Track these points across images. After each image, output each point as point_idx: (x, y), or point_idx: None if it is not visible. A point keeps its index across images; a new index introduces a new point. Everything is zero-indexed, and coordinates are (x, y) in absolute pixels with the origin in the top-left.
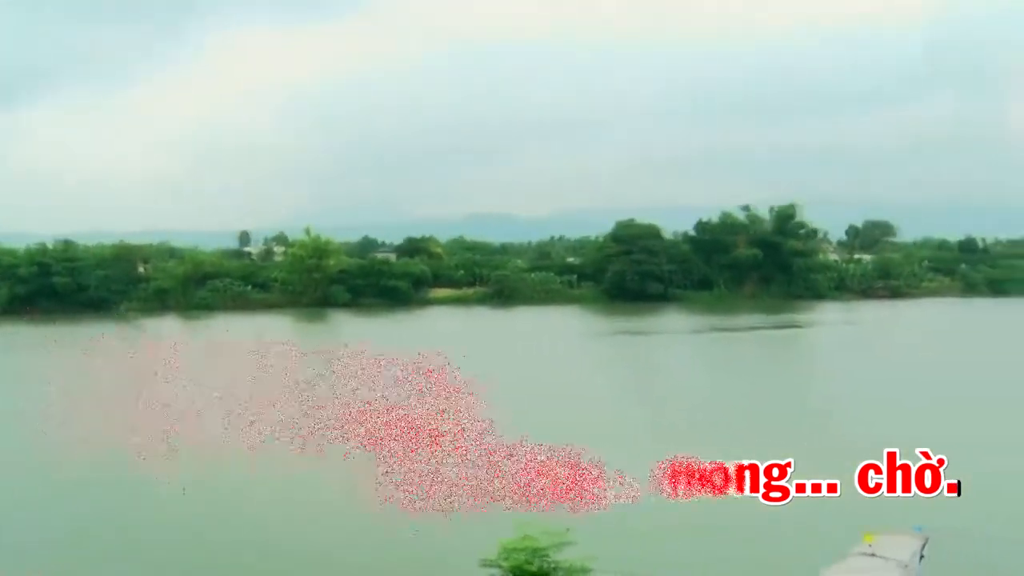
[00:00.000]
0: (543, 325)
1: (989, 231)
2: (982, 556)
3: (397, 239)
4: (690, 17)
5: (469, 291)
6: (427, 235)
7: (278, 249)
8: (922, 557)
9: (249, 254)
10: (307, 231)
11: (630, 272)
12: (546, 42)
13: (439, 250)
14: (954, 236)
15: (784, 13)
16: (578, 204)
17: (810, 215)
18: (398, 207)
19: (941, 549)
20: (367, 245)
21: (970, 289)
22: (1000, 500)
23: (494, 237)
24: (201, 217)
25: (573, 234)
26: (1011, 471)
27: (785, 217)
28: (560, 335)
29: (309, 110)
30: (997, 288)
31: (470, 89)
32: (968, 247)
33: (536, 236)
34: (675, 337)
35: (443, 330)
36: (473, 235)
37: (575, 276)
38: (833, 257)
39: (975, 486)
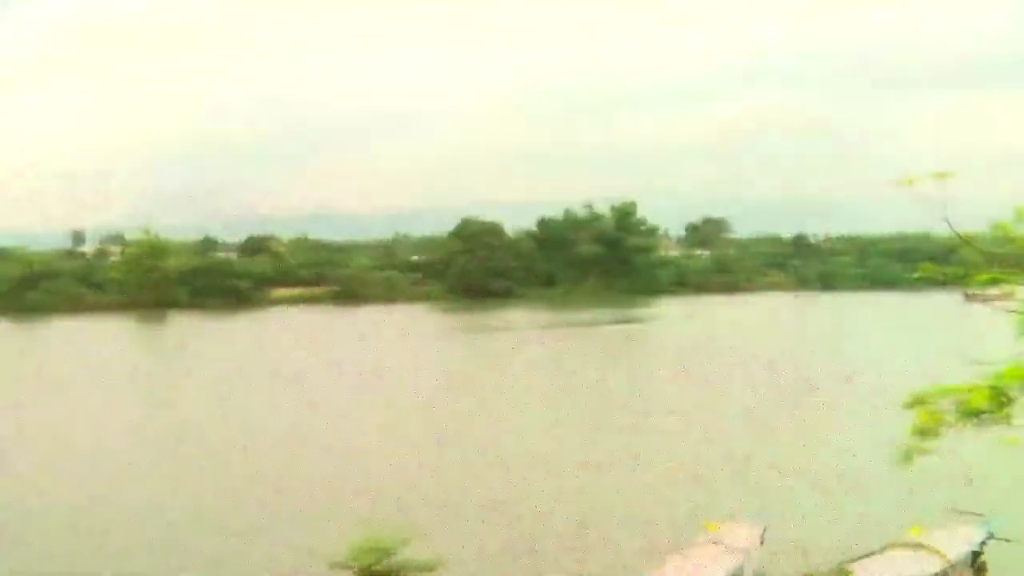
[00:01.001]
0: (390, 324)
1: (820, 227)
2: (817, 540)
3: (238, 238)
4: (530, 13)
5: (314, 290)
6: (269, 233)
7: (115, 249)
8: (762, 542)
9: (84, 254)
10: (145, 230)
11: (474, 269)
12: (383, 35)
13: (282, 248)
14: (787, 232)
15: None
16: (422, 201)
17: (649, 212)
18: (239, 205)
19: (780, 535)
20: (207, 244)
21: (803, 284)
22: (829, 488)
23: (338, 235)
24: (29, 215)
25: (417, 232)
26: (835, 461)
27: (625, 214)
28: (408, 334)
29: (140, 107)
30: (827, 282)
31: (309, 83)
32: (799, 243)
33: (380, 234)
34: (519, 334)
35: (285, 331)
36: (317, 233)
37: (420, 274)
38: (672, 253)
39: (808, 477)
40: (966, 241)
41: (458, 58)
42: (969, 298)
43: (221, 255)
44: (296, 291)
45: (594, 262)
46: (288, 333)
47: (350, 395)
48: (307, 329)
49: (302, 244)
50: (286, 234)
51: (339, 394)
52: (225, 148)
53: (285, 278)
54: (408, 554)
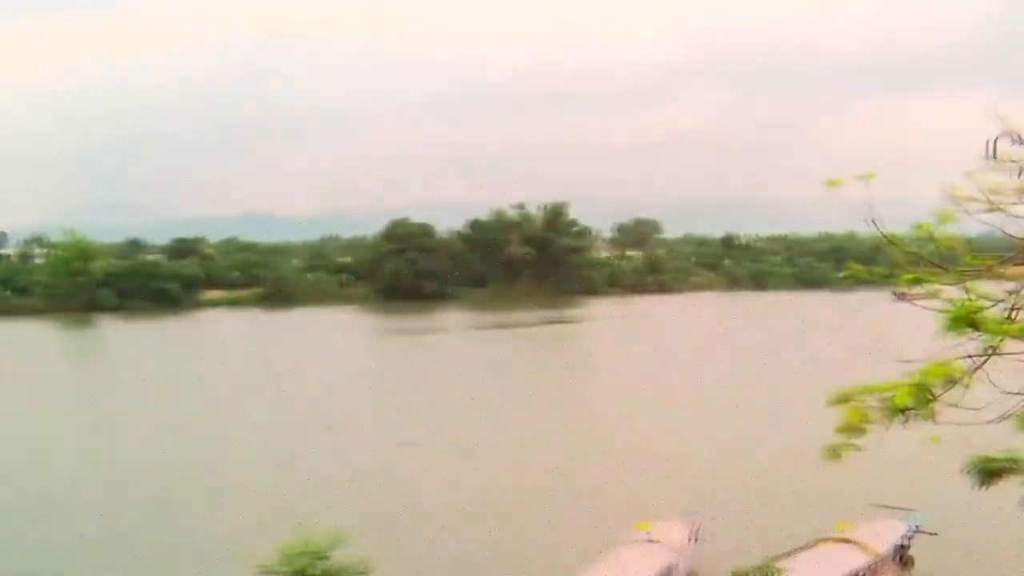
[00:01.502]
0: (318, 326)
1: (749, 227)
2: (747, 536)
3: (165, 240)
4: (460, 14)
5: (244, 293)
6: (197, 235)
7: (39, 251)
8: (695, 539)
9: (7, 256)
10: (71, 232)
11: (405, 271)
12: (313, 36)
13: (211, 251)
14: (716, 232)
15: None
16: (351, 202)
17: (580, 213)
18: (165, 207)
19: (711, 532)
20: (133, 247)
21: (734, 283)
22: (759, 485)
23: (268, 237)
24: None
25: (347, 233)
26: (765, 458)
27: (556, 215)
28: (334, 337)
29: (64, 106)
30: (758, 281)
31: (237, 85)
32: (729, 243)
33: (310, 235)
34: (449, 336)
35: (211, 335)
36: (246, 235)
37: (351, 276)
38: (604, 254)
39: (739, 474)
40: (890, 241)
41: (389, 57)
42: (898, 297)
43: (148, 257)
44: (225, 294)
45: (525, 263)
46: (213, 338)
47: (248, 402)
48: (232, 333)
49: (231, 246)
50: (215, 236)
51: (238, 401)
52: (149, 149)
53: (214, 280)
54: (339, 557)
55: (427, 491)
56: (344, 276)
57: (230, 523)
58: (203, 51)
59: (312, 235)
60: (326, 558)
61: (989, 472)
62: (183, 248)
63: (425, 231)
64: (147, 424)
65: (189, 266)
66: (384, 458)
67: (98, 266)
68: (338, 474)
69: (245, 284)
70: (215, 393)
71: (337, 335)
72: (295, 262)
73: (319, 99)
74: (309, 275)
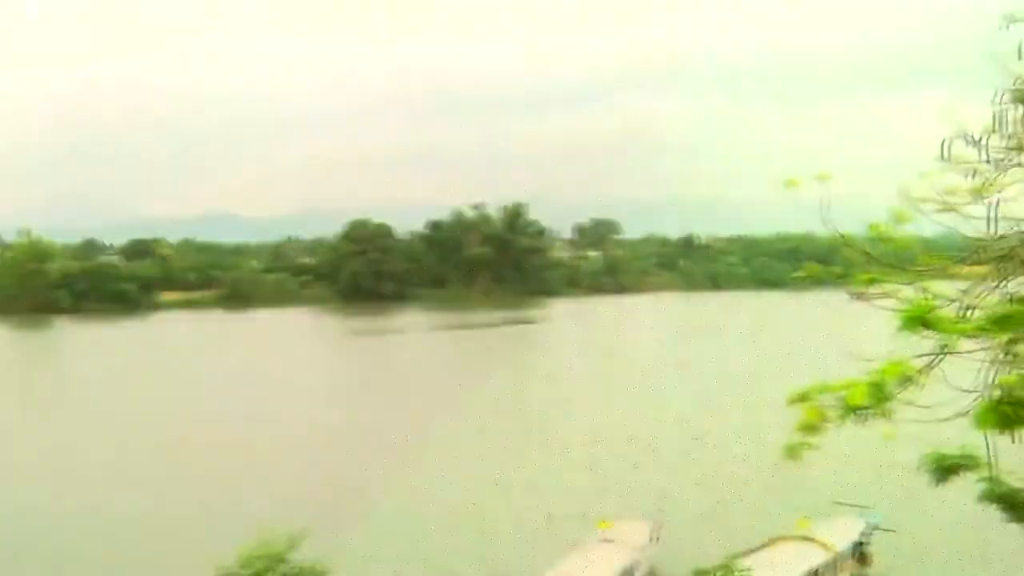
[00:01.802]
0: (276, 328)
1: (706, 228)
2: (708, 535)
3: (123, 241)
4: (422, 14)
5: (202, 294)
6: (156, 236)
7: None
8: (655, 539)
9: None
10: (26, 233)
11: (365, 272)
12: (274, 37)
13: (169, 252)
14: (674, 233)
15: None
16: (313, 203)
17: (539, 214)
18: (123, 208)
19: (672, 531)
20: (90, 247)
21: (692, 283)
22: (720, 484)
23: (228, 237)
24: None
25: (307, 234)
26: (726, 458)
27: (515, 215)
28: (293, 338)
29: (20, 104)
30: (715, 282)
31: (195, 85)
32: (687, 243)
33: (271, 236)
34: (408, 336)
35: (167, 337)
36: (206, 236)
37: (310, 277)
38: (563, 254)
39: (700, 473)
40: (845, 242)
41: (347, 57)
42: (855, 297)
43: (105, 258)
44: (184, 295)
45: (484, 263)
46: (169, 339)
47: (198, 406)
48: (189, 335)
49: (189, 247)
50: (174, 236)
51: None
52: (106, 149)
53: (172, 282)
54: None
55: (379, 493)
56: (304, 277)
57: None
58: (161, 51)
59: (273, 236)
60: (284, 561)
61: (944, 469)
62: (141, 249)
63: (385, 232)
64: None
65: (146, 267)
66: (341, 458)
67: (54, 267)
68: (290, 474)
69: (204, 285)
70: (141, 399)
71: (292, 336)
72: (254, 263)
73: (281, 100)
74: (269, 276)
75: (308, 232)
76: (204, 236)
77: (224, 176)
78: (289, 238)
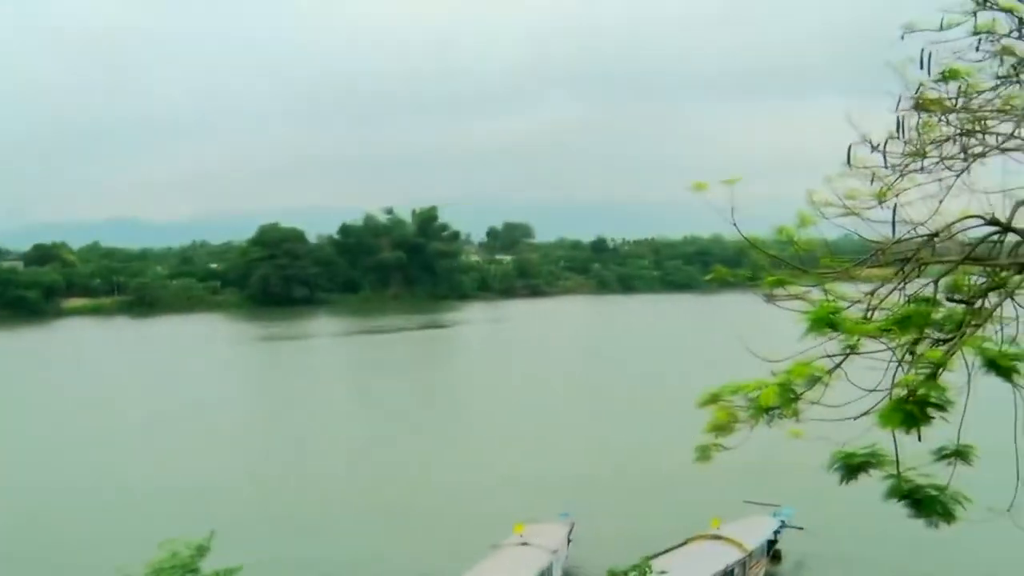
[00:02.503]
0: (183, 335)
1: (617, 231)
2: (623, 536)
3: (23, 246)
4: (326, 16)
5: (107, 300)
6: (58, 241)
7: None
8: (570, 541)
9: None
10: None
11: (275, 277)
12: (177, 35)
13: (72, 257)
14: (586, 237)
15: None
16: (220, 207)
17: (451, 217)
18: (23, 212)
19: (587, 532)
20: None
21: (603, 286)
22: (634, 485)
23: (133, 242)
24: None
25: (216, 239)
26: (639, 459)
27: (427, 219)
28: (199, 345)
29: None
30: (627, 285)
31: (95, 84)
32: (599, 247)
33: (178, 241)
34: (318, 341)
35: (66, 346)
36: (110, 241)
37: (219, 282)
38: (475, 258)
39: (614, 475)
40: (753, 244)
41: (254, 58)
42: (768, 299)
43: (5, 264)
44: (88, 301)
45: (397, 268)
46: (65, 347)
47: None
48: (90, 342)
49: (94, 252)
50: (78, 242)
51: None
52: (7, 153)
53: (76, 288)
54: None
55: (287, 499)
56: (213, 283)
57: None
58: (63, 53)
59: (180, 241)
60: (196, 570)
61: (851, 467)
62: (43, 255)
63: (295, 236)
64: None
65: (48, 273)
66: (245, 463)
67: None
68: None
69: (109, 291)
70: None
71: (195, 343)
72: (160, 268)
73: (185, 103)
74: (175, 281)
75: (216, 237)
76: (110, 241)
77: (131, 180)
78: (197, 243)
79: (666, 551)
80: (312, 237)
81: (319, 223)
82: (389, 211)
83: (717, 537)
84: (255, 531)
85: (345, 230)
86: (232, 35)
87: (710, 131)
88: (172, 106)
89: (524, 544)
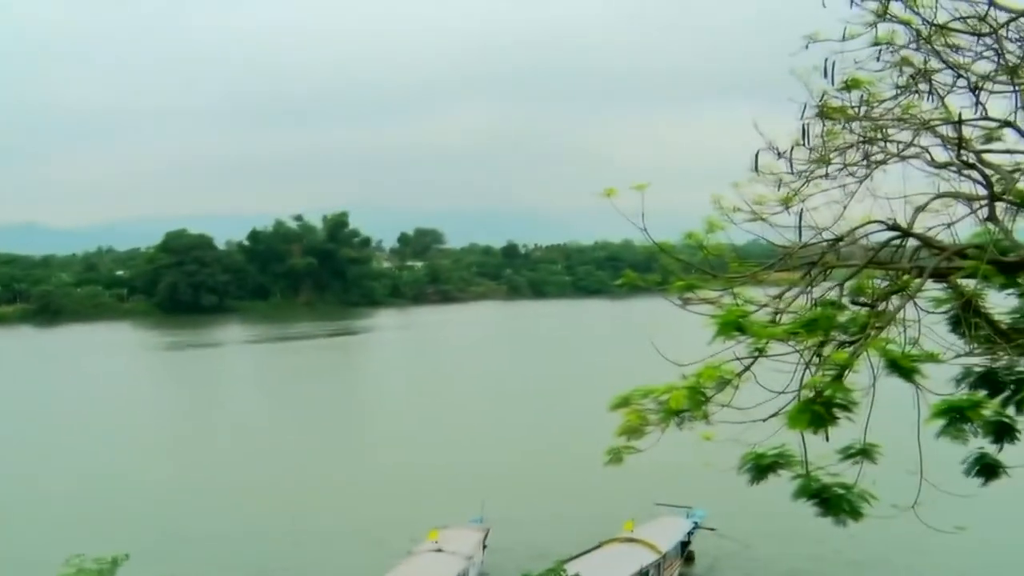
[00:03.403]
0: (86, 344)
1: (528, 237)
2: (537, 540)
3: None
4: (242, 20)
5: (9, 308)
6: None
7: None
8: (485, 547)
9: None
10: None
11: (183, 284)
12: (87, 31)
13: None
14: (498, 243)
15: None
16: (125, 213)
17: (362, 223)
18: None
19: (502, 537)
20: None
21: (515, 292)
22: (547, 489)
23: (30, 249)
24: None
25: (122, 245)
26: (552, 463)
27: (338, 225)
28: (101, 355)
29: None
30: (538, 290)
31: None
32: (511, 253)
33: (81, 247)
34: (227, 349)
35: None
36: (9, 247)
37: (126, 290)
38: (387, 264)
39: (527, 479)
40: (662, 249)
41: (161, 58)
42: (681, 303)
43: None
44: None
45: (307, 274)
46: None
47: None
48: None
49: None
50: None
51: None
52: None
53: None
54: None
55: (187, 511)
56: (120, 290)
57: None
58: None
59: (83, 247)
60: None
61: (761, 468)
62: None
63: (204, 243)
64: None
65: None
66: (143, 480)
67: None
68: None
69: (10, 300)
70: None
71: (99, 352)
72: (64, 276)
73: (86, 103)
74: (81, 289)
75: (121, 243)
76: (8, 247)
77: (30, 183)
78: (103, 249)
79: (581, 554)
80: (221, 243)
81: (228, 229)
82: (299, 217)
83: (631, 540)
84: (153, 546)
85: (255, 236)
86: (143, 33)
87: (621, 137)
88: (75, 106)
89: (439, 551)
